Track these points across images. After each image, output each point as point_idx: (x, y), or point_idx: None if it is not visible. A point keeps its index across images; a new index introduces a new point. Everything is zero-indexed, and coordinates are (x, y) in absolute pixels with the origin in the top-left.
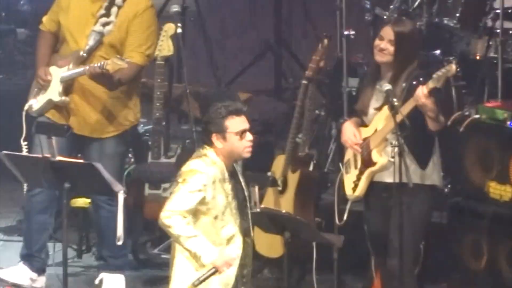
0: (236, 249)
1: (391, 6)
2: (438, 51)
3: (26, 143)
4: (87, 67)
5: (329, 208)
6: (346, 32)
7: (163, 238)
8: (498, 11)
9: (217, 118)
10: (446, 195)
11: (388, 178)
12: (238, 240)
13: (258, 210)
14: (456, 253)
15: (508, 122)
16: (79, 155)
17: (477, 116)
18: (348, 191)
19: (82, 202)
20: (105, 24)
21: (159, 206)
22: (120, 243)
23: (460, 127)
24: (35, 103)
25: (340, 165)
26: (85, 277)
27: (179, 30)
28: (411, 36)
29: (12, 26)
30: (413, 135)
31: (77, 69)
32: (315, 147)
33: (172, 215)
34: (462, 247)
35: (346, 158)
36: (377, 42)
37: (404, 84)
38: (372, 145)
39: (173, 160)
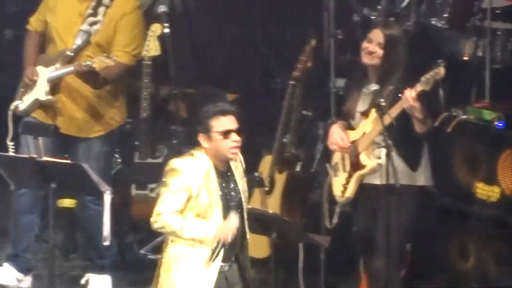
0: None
1: (379, 7)
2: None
3: (13, 143)
4: (74, 66)
5: (316, 208)
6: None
7: (149, 239)
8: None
9: (203, 118)
10: (434, 195)
11: (376, 179)
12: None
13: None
14: (444, 253)
15: (496, 123)
16: (66, 155)
17: (464, 116)
18: (337, 193)
19: (68, 202)
20: (92, 24)
21: (146, 206)
22: (106, 243)
23: (447, 128)
24: (21, 103)
25: (328, 167)
26: (71, 277)
27: (167, 30)
28: (400, 39)
29: None
30: (403, 137)
31: (64, 69)
32: (302, 147)
33: (159, 218)
34: (449, 248)
35: (334, 161)
36: (365, 44)
37: (391, 87)
38: (360, 148)
39: (160, 160)
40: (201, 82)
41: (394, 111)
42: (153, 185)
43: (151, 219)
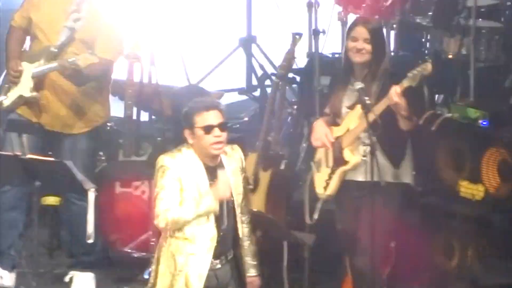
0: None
1: (364, 5)
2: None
3: None
4: (58, 62)
5: (300, 206)
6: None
7: (133, 237)
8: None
9: (188, 113)
10: (418, 194)
11: (360, 176)
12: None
13: None
14: (428, 252)
15: (480, 121)
16: (50, 152)
17: (449, 115)
18: (319, 189)
19: (52, 200)
20: (76, 20)
21: (130, 204)
22: (90, 241)
23: (432, 126)
24: (5, 99)
25: (312, 163)
26: (55, 275)
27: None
28: (382, 31)
29: None
30: (386, 134)
31: (49, 65)
32: (287, 145)
33: (160, 218)
34: (433, 247)
35: (317, 157)
36: (351, 44)
37: (378, 83)
38: (344, 144)
39: (144, 158)
40: (185, 80)
41: (379, 108)
42: (137, 183)
43: (155, 222)
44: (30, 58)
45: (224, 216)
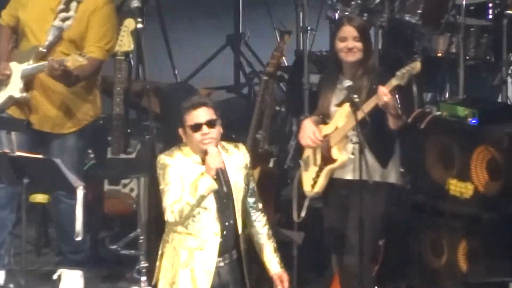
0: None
1: (353, 2)
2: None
3: None
4: (48, 62)
5: (289, 204)
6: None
7: (122, 234)
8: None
9: (180, 113)
10: (407, 192)
11: (348, 175)
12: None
13: None
14: (416, 251)
15: (469, 119)
16: (39, 150)
17: (438, 113)
18: (307, 187)
19: (41, 197)
20: (64, 19)
21: (118, 202)
22: (78, 239)
23: (421, 124)
24: None
25: (300, 161)
26: (43, 273)
27: (140, 26)
28: (367, 27)
29: None
30: (374, 133)
31: (38, 64)
32: (275, 143)
33: (168, 211)
34: (422, 245)
35: (305, 155)
36: (341, 45)
37: (367, 79)
38: (332, 142)
39: (132, 156)
40: (174, 78)
41: (368, 107)
42: (125, 181)
43: (165, 218)
44: (19, 58)
45: (225, 210)
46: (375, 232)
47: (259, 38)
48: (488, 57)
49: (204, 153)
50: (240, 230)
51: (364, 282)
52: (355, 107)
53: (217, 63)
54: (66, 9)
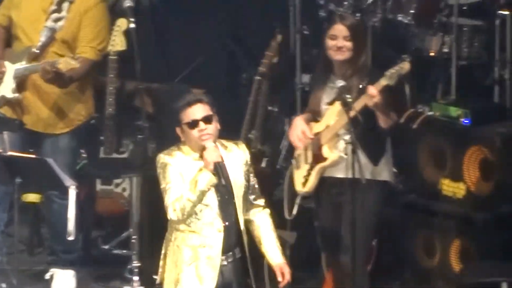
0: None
1: (345, 2)
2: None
3: None
4: (41, 64)
5: (281, 204)
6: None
7: (114, 234)
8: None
9: (175, 112)
10: (400, 192)
11: (339, 173)
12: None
13: None
14: (409, 250)
15: (462, 119)
16: (31, 150)
17: (430, 113)
18: (298, 186)
19: (33, 197)
20: (56, 20)
21: (110, 201)
22: (71, 238)
23: (413, 124)
24: None
25: (292, 160)
26: (36, 272)
27: (132, 25)
28: (360, 26)
29: None
30: (366, 131)
31: (30, 67)
32: (268, 143)
33: (169, 209)
34: (415, 245)
35: (297, 153)
36: (331, 43)
37: (359, 78)
38: (323, 140)
39: (125, 155)
40: (167, 78)
41: (358, 105)
42: (118, 180)
43: (167, 216)
44: (12, 58)
45: (227, 207)
46: (368, 229)
47: (253, 38)
48: (480, 57)
49: (203, 150)
50: (242, 227)
51: (359, 282)
52: (347, 107)
53: (211, 63)
54: (58, 10)
